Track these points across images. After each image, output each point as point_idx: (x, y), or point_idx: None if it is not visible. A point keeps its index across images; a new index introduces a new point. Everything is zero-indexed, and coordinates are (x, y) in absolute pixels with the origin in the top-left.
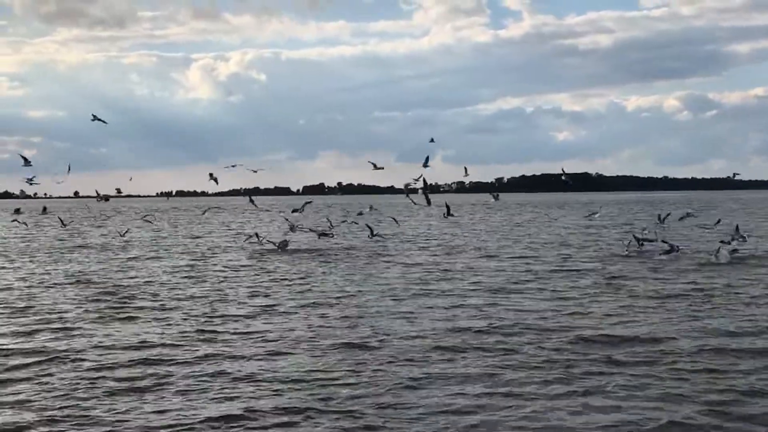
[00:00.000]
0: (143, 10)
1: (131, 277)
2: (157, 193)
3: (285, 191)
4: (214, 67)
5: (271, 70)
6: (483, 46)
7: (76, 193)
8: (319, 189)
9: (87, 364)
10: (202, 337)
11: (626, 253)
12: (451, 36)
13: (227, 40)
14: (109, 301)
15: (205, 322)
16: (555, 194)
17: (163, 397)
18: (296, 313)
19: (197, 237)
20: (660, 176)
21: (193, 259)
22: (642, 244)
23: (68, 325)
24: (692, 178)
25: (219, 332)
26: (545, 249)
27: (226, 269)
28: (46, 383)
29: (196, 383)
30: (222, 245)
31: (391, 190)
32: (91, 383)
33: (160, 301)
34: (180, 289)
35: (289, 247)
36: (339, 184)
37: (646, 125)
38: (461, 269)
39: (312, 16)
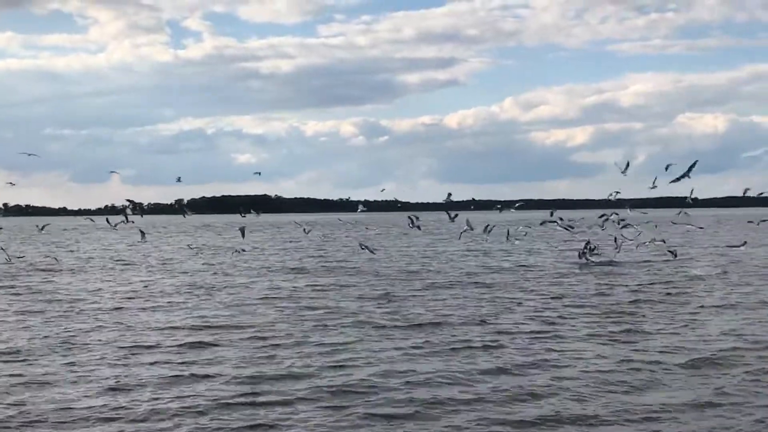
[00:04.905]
0: None
1: None
2: None
3: None
4: None
5: None
6: (163, 65)
7: None
8: None
9: None
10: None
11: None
12: (130, 53)
13: None
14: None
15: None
16: (235, 216)
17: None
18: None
19: None
20: (336, 198)
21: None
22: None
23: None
24: (365, 200)
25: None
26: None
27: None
28: None
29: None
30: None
31: (63, 211)
32: None
33: None
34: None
35: None
36: (5, 205)
37: (324, 149)
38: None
39: None
